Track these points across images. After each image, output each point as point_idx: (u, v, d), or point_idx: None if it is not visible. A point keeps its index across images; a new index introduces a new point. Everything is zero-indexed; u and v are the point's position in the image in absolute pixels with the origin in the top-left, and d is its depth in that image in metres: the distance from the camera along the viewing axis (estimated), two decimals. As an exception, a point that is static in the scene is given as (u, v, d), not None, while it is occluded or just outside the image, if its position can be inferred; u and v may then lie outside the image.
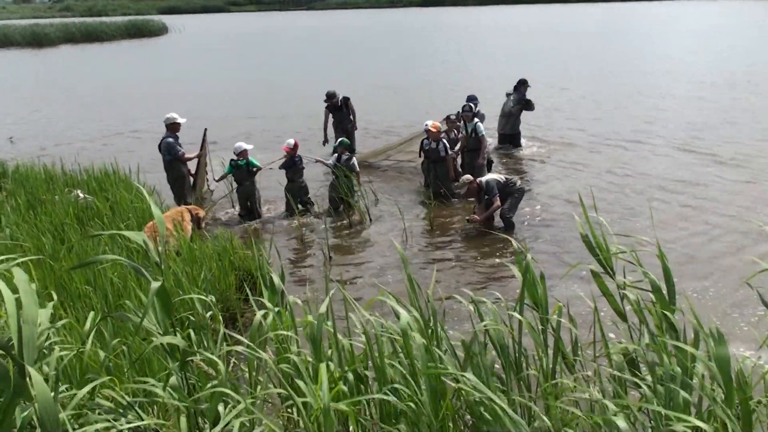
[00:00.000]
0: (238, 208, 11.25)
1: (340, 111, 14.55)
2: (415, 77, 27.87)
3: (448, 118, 12.72)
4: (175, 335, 3.60)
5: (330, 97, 14.49)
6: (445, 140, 11.66)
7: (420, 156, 12.04)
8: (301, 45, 49.04)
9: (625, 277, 4.14)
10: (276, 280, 4.40)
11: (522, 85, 14.69)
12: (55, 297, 4.35)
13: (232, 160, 10.97)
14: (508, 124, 14.64)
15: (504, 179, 10.15)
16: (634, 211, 10.38)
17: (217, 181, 11.47)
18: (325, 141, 14.43)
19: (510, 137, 14.71)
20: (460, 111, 12.33)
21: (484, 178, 10.16)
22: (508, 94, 14.80)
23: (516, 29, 54.95)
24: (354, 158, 11.31)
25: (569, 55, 33.55)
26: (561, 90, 22.48)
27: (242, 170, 10.90)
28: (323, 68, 32.77)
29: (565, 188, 11.73)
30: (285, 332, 4.00)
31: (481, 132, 12.06)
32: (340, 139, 11.62)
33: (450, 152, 11.63)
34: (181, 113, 11.24)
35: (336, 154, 11.29)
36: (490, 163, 12.63)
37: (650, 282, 3.83)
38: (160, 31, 65.41)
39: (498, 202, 9.85)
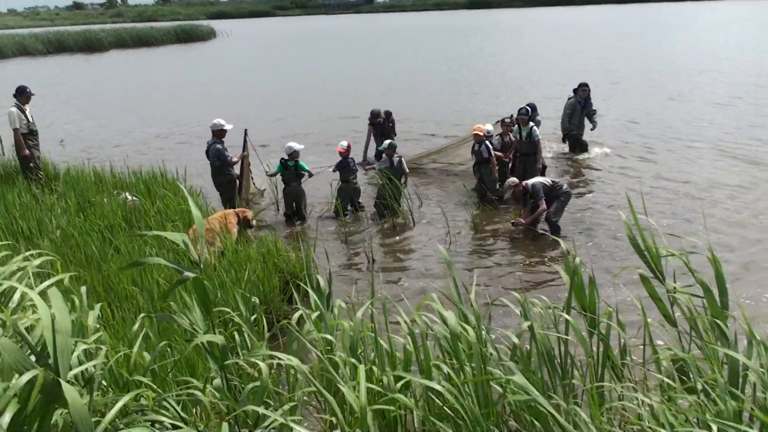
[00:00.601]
0: (283, 209, 11.30)
1: (383, 126, 14.48)
2: (462, 79, 27.75)
3: (502, 121, 12.47)
4: (215, 334, 3.60)
5: (375, 116, 14.46)
6: (488, 142, 11.49)
7: (472, 159, 11.96)
8: (346, 48, 49.22)
9: (675, 281, 4.01)
10: (322, 282, 4.38)
11: (582, 88, 14.11)
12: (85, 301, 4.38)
13: (282, 158, 11.04)
14: (581, 128, 14.29)
15: (550, 182, 10.03)
16: (685, 216, 10.15)
17: (269, 176, 11.50)
18: (364, 160, 14.25)
19: (577, 140, 14.31)
20: (516, 114, 12.17)
21: (530, 181, 10.04)
22: (570, 98, 14.28)
23: (564, 29, 54.36)
24: (403, 159, 11.28)
25: (616, 57, 33.03)
26: (608, 90, 22.17)
27: (291, 171, 10.95)
28: (364, 72, 32.86)
29: (614, 192, 11.54)
30: (327, 336, 3.97)
31: (537, 136, 11.89)
32: (388, 142, 11.47)
33: (492, 154, 11.45)
34: (228, 117, 11.34)
35: (385, 157, 11.23)
36: (544, 168, 12.42)
37: (701, 286, 3.70)
38: (209, 35, 66.38)
39: (544, 206, 9.72)
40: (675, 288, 3.87)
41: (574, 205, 10.61)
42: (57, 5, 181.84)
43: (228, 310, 4.47)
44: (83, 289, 4.45)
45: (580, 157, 14.11)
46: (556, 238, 4.71)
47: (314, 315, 4.19)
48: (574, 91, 14.15)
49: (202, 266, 3.61)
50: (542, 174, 11.85)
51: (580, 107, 14.04)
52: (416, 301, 4.47)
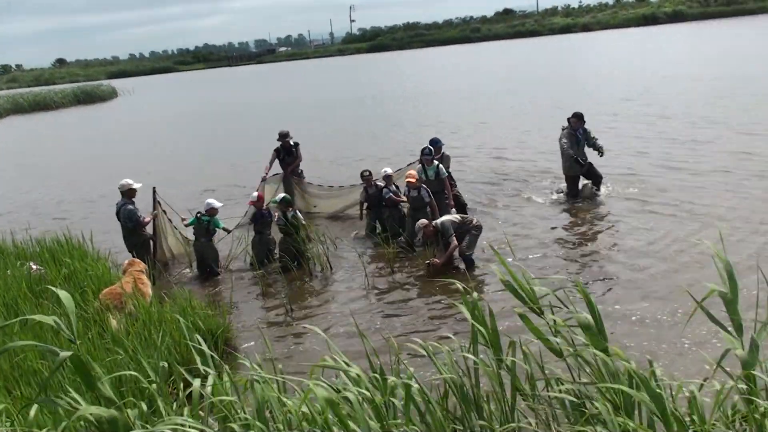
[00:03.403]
0: (195, 265, 11.15)
1: (290, 155, 14.25)
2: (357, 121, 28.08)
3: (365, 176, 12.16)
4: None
5: (283, 136, 14.21)
6: (425, 186, 11.45)
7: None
8: (253, 94, 49.18)
9: (553, 314, 4.17)
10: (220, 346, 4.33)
11: (574, 118, 13.09)
12: None
13: (198, 213, 10.94)
14: (578, 164, 13.03)
15: (459, 218, 10.26)
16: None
17: (186, 225, 11.29)
18: (264, 179, 13.75)
19: (591, 170, 13.22)
20: (421, 155, 12.03)
21: (439, 220, 10.23)
22: (564, 128, 13.23)
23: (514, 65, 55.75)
24: (298, 212, 11.27)
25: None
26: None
27: (203, 226, 10.86)
28: (267, 122, 32.76)
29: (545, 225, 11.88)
30: (226, 398, 3.94)
31: (444, 174, 11.89)
32: (282, 196, 11.46)
33: (432, 197, 11.39)
34: (137, 176, 11.21)
35: (279, 212, 11.08)
36: (464, 205, 12.56)
37: (577, 320, 3.88)
38: (110, 95, 65.13)
39: (455, 242, 9.92)
40: (554, 321, 4.04)
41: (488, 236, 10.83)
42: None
43: (139, 375, 4.38)
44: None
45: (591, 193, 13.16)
46: (454, 280, 4.80)
47: (205, 380, 4.13)
48: (568, 120, 13.16)
49: (77, 343, 3.54)
50: (463, 211, 12.09)
51: (575, 139, 13.02)
52: (333, 352, 4.46)
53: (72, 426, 3.71)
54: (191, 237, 11.42)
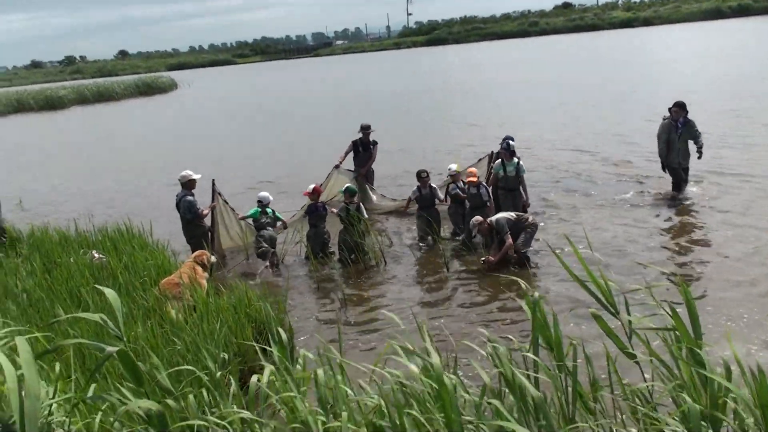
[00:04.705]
0: (252, 255, 11.23)
1: (365, 150, 14.00)
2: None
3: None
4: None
5: (365, 128, 13.96)
6: (484, 184, 11.31)
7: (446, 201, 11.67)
8: (304, 92, 49.46)
9: (629, 314, 4.01)
10: (284, 335, 4.35)
11: (675, 108, 12.21)
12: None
13: (260, 203, 11.06)
14: (679, 155, 12.32)
15: (515, 216, 10.14)
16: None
17: (242, 218, 11.44)
18: (337, 166, 13.66)
19: (676, 174, 12.49)
20: (499, 149, 11.62)
21: (494, 218, 10.13)
22: (664, 119, 12.41)
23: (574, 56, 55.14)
24: (362, 205, 11.29)
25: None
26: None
27: (267, 216, 10.98)
28: (325, 119, 32.88)
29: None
30: (291, 394, 3.92)
31: (523, 171, 11.47)
32: (346, 186, 11.58)
33: (491, 197, 11.30)
34: (197, 167, 11.35)
35: (343, 203, 11.21)
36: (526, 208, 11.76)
37: (671, 315, 3.71)
38: (170, 87, 66.23)
39: (510, 240, 9.81)
40: (630, 322, 3.89)
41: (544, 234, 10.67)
42: (15, 65, 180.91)
43: (194, 369, 4.42)
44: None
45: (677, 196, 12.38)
46: (517, 279, 4.68)
47: (284, 367, 4.14)
48: (669, 110, 12.32)
49: (124, 339, 3.58)
50: (524, 211, 11.32)
51: (675, 130, 12.17)
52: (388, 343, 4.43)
53: (121, 419, 3.76)
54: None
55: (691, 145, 12.33)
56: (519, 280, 4.58)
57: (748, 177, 13.24)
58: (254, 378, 4.01)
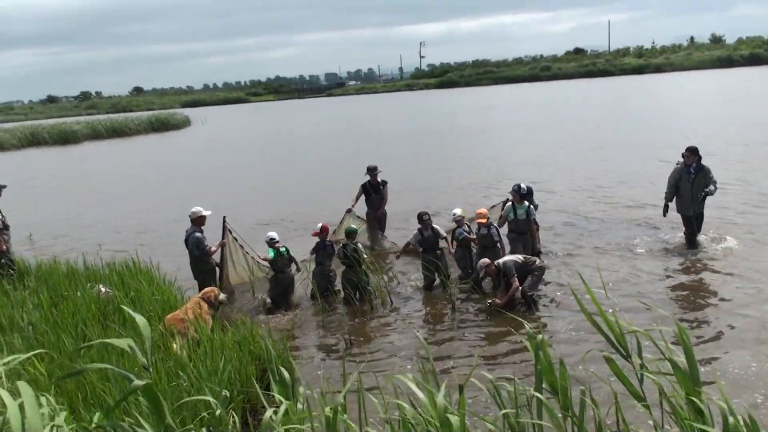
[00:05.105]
0: (265, 296, 11.12)
1: (377, 192, 13.90)
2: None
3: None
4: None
5: (371, 170, 13.84)
6: (494, 224, 11.34)
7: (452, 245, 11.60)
8: (315, 132, 49.79)
9: (641, 358, 3.98)
10: (286, 374, 4.33)
11: (688, 153, 11.79)
12: (52, 401, 4.25)
13: (275, 244, 10.96)
14: (693, 203, 11.86)
15: (522, 259, 10.12)
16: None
17: (263, 260, 11.27)
18: (349, 210, 13.61)
19: (688, 223, 12.12)
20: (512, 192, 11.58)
21: (501, 260, 10.12)
22: (678, 164, 12.06)
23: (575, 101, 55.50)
24: (359, 245, 11.27)
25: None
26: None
27: (284, 257, 10.94)
28: (334, 156, 33.03)
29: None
30: (298, 426, 3.90)
31: (534, 215, 11.56)
32: (348, 228, 11.64)
33: (501, 238, 11.32)
34: (206, 204, 11.39)
35: (341, 245, 11.20)
36: (539, 252, 11.79)
37: (670, 363, 3.69)
38: (184, 123, 66.68)
39: (516, 283, 9.78)
40: (642, 365, 3.86)
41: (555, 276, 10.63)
42: (31, 99, 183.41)
43: (209, 398, 4.39)
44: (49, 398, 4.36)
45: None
46: (520, 319, 4.65)
47: (282, 408, 4.10)
48: (682, 155, 11.93)
49: (150, 370, 3.57)
50: (537, 256, 11.24)
51: (688, 176, 11.77)
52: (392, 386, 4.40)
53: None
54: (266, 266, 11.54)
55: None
56: (524, 321, 4.56)
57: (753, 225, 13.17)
58: (268, 412, 3.97)
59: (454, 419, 3.41)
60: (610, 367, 3.95)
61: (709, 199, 12.03)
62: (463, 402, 3.80)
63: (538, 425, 3.77)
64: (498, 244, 11.17)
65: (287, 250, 11.05)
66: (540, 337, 3.88)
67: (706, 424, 3.53)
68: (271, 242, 10.95)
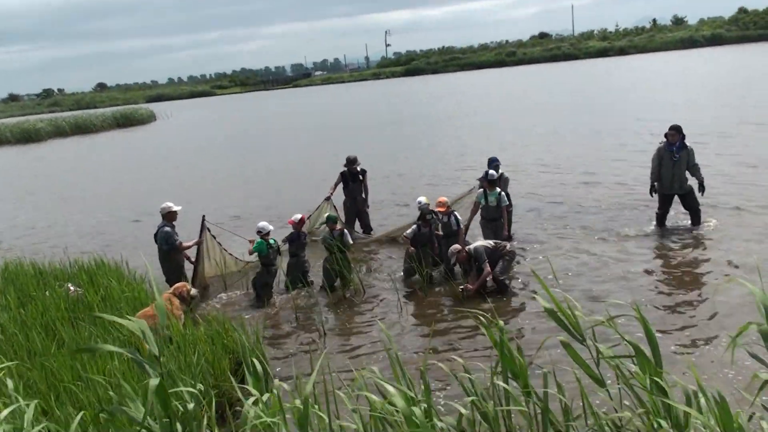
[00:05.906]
0: (250, 290, 11.10)
1: (354, 181, 13.82)
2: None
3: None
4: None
5: (350, 162, 13.72)
6: (456, 213, 11.37)
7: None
8: (277, 122, 49.54)
9: (596, 342, 4.04)
10: (259, 367, 4.35)
11: (671, 132, 11.73)
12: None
13: (260, 233, 10.82)
14: (674, 182, 11.87)
15: (492, 244, 10.20)
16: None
17: (250, 254, 11.13)
18: (328, 198, 13.69)
19: (665, 201, 12.12)
20: (483, 177, 11.67)
21: (471, 246, 10.20)
22: (660, 143, 12.00)
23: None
24: (346, 231, 11.29)
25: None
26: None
27: (274, 249, 10.89)
28: (304, 145, 32.93)
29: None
30: (270, 419, 3.92)
31: (505, 202, 11.58)
32: (327, 215, 11.64)
33: (461, 226, 11.27)
34: (175, 200, 11.29)
35: (327, 229, 11.20)
36: (508, 237, 11.65)
37: (631, 345, 3.77)
38: (149, 118, 66.05)
39: (488, 268, 9.86)
40: (598, 350, 3.93)
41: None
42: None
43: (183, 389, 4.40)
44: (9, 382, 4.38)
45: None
46: (475, 311, 4.70)
47: (260, 398, 4.13)
48: (665, 135, 11.85)
49: (161, 359, 3.59)
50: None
51: (671, 155, 11.72)
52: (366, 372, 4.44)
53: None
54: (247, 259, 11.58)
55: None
56: (478, 313, 4.62)
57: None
58: (247, 404, 4.00)
59: (417, 410, 3.46)
60: (567, 352, 4.02)
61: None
62: (427, 389, 3.87)
63: (507, 412, 3.83)
64: (458, 231, 11.19)
65: (275, 241, 11.00)
66: (500, 323, 3.95)
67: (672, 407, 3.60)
68: (263, 233, 10.84)
